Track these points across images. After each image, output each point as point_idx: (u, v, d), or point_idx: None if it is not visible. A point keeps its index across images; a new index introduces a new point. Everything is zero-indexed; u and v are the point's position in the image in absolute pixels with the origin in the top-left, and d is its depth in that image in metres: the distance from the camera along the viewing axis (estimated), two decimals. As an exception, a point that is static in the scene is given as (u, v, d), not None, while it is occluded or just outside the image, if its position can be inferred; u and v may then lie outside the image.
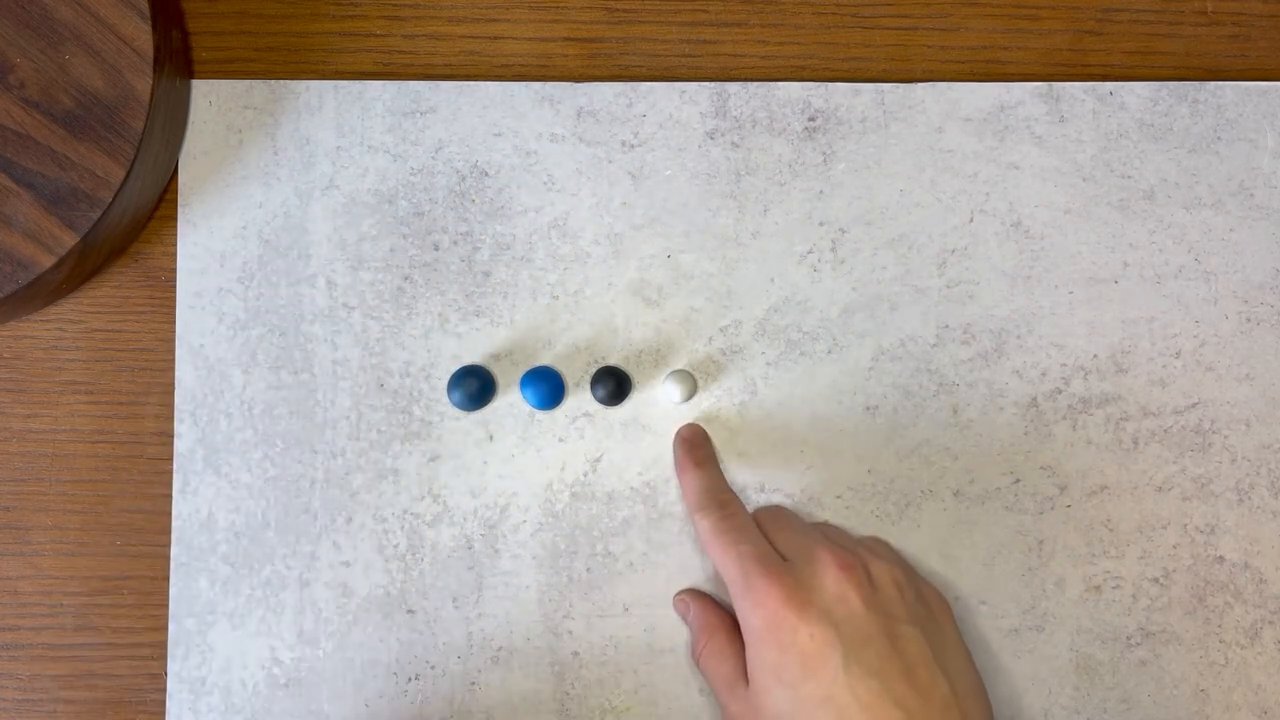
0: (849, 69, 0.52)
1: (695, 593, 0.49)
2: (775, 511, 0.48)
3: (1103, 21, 0.53)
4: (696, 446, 0.49)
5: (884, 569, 0.45)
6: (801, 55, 0.52)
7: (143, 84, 0.46)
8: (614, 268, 0.51)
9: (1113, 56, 0.53)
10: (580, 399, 0.50)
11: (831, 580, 0.44)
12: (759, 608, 0.43)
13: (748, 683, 0.44)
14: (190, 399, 0.50)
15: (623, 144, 0.51)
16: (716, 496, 0.47)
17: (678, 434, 0.50)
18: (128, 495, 0.50)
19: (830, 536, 0.47)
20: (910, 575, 0.46)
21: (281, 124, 0.51)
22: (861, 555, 0.45)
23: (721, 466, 0.50)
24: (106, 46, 0.46)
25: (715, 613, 0.48)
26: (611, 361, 0.51)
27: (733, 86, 0.51)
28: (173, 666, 0.49)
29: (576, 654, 0.49)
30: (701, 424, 0.50)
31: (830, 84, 0.51)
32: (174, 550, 0.50)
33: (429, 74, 0.52)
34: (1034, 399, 0.51)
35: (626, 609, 0.50)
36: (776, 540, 0.46)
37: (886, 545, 0.49)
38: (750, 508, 0.50)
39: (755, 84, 0.51)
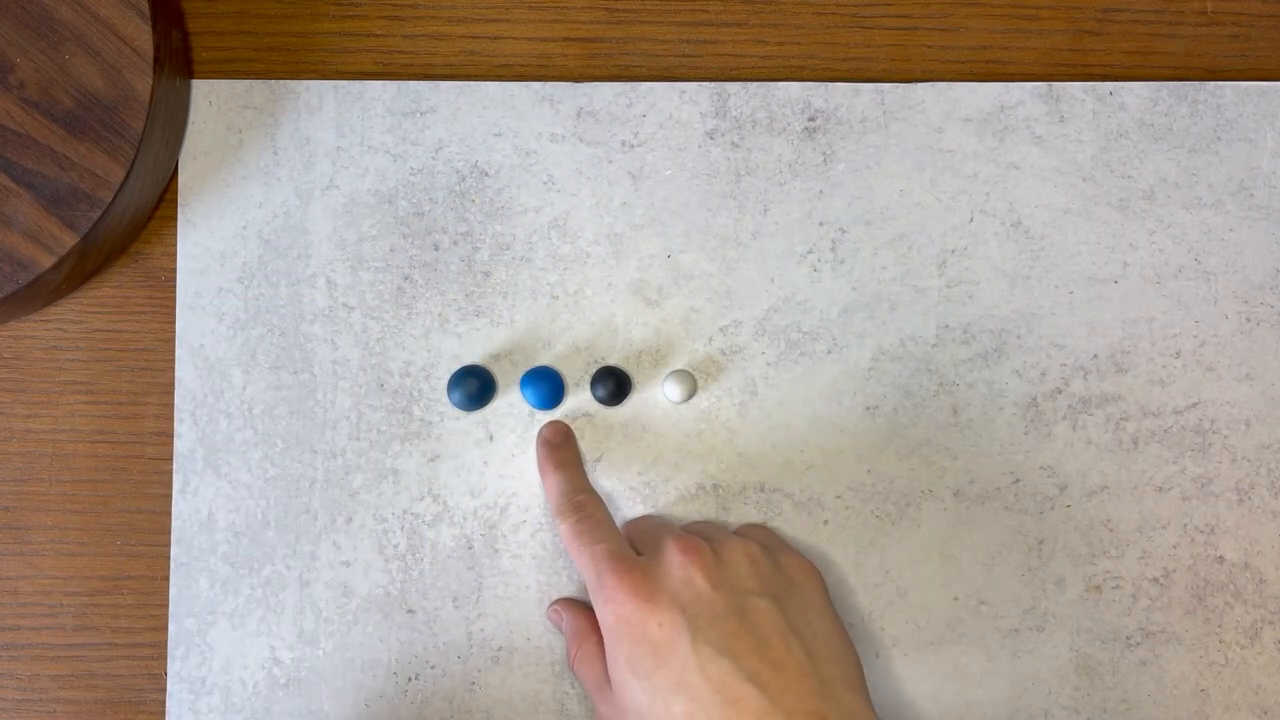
0: (849, 69, 0.52)
1: (567, 601, 0.49)
2: (643, 515, 0.49)
3: (1103, 21, 0.53)
4: (557, 447, 0.49)
5: (736, 545, 0.45)
6: (801, 55, 0.52)
7: (143, 84, 0.46)
8: (614, 268, 0.51)
9: (1113, 56, 0.53)
10: (580, 399, 0.50)
11: (677, 565, 0.44)
12: (610, 603, 0.43)
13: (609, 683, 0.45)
14: (190, 399, 0.50)
15: (623, 144, 0.51)
16: (573, 499, 0.47)
17: (540, 433, 0.50)
18: (128, 495, 0.50)
19: (694, 528, 0.47)
20: (769, 549, 0.46)
21: (281, 124, 0.51)
22: (712, 537, 0.46)
23: (721, 466, 0.50)
24: (106, 46, 0.46)
25: (586, 618, 0.48)
26: (611, 361, 0.51)
27: (733, 86, 0.51)
28: (173, 666, 0.49)
29: (576, 654, 0.49)
30: (703, 425, 0.50)
31: (830, 84, 0.51)
32: (174, 550, 0.50)
33: (429, 74, 0.52)
34: (1034, 399, 0.51)
35: (626, 609, 0.50)
36: (633, 537, 0.47)
37: (761, 527, 0.49)
38: (751, 508, 0.50)
39: (755, 84, 0.51)
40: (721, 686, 0.41)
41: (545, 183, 0.51)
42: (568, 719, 0.49)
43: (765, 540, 0.47)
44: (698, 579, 0.43)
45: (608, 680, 0.45)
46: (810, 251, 0.51)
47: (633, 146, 0.51)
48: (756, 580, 0.44)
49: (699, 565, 0.44)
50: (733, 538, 0.46)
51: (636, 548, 0.46)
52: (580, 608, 0.48)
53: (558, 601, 0.49)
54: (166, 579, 0.50)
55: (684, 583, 0.43)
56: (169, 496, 0.50)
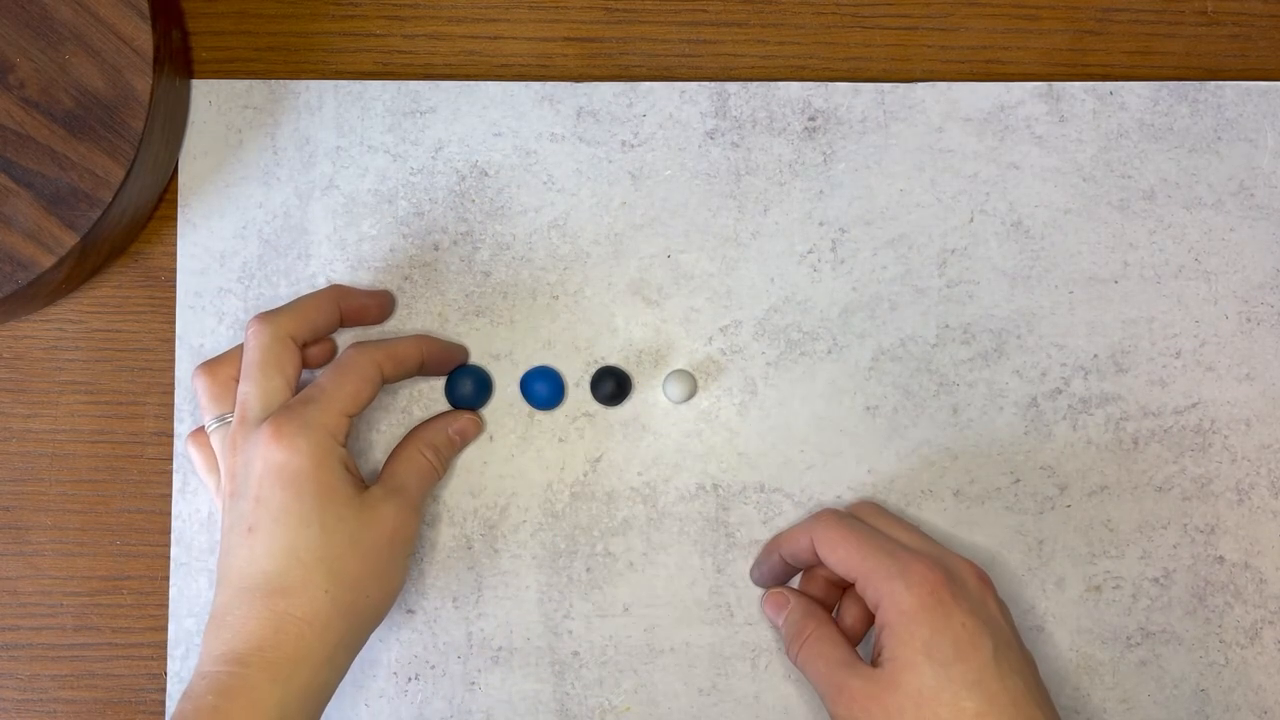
0: (849, 69, 0.52)
1: (789, 589, 0.49)
2: (875, 507, 0.49)
3: (1103, 21, 0.53)
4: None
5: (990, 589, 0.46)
6: (801, 55, 0.52)
7: (142, 84, 0.46)
8: (614, 268, 0.51)
9: (1113, 56, 0.53)
10: (580, 399, 0.50)
11: (974, 583, 0.45)
12: (916, 588, 0.43)
13: (872, 663, 0.45)
14: (190, 399, 0.50)
15: (623, 144, 0.51)
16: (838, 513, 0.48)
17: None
18: (128, 495, 0.50)
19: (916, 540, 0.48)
20: None
21: (281, 124, 0.51)
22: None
23: (721, 466, 0.50)
24: (106, 46, 0.46)
25: (815, 604, 0.48)
26: (611, 361, 0.50)
27: (733, 86, 0.51)
28: (172, 666, 0.49)
29: (576, 654, 0.49)
30: (703, 425, 0.50)
31: (830, 84, 0.51)
32: (173, 550, 0.50)
33: (429, 74, 0.52)
34: (1034, 399, 0.51)
35: (626, 609, 0.50)
36: (897, 534, 0.47)
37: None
38: (751, 508, 0.50)
39: (755, 84, 0.51)
40: (1017, 702, 0.43)
41: (545, 183, 0.51)
42: (568, 719, 0.49)
43: None
44: (990, 604, 0.45)
45: (858, 660, 0.45)
46: (810, 251, 0.51)
47: (633, 146, 0.51)
48: (1012, 625, 0.46)
49: (990, 593, 0.45)
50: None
51: (905, 545, 0.46)
52: (804, 595, 0.49)
53: (777, 590, 0.49)
54: (166, 579, 0.50)
55: (981, 600, 0.45)
56: (169, 496, 0.50)
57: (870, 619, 0.47)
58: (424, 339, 0.48)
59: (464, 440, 0.50)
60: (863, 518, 0.48)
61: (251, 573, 0.43)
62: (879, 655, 0.44)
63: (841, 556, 0.46)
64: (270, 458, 0.43)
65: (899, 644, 0.43)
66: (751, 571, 0.50)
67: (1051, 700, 0.45)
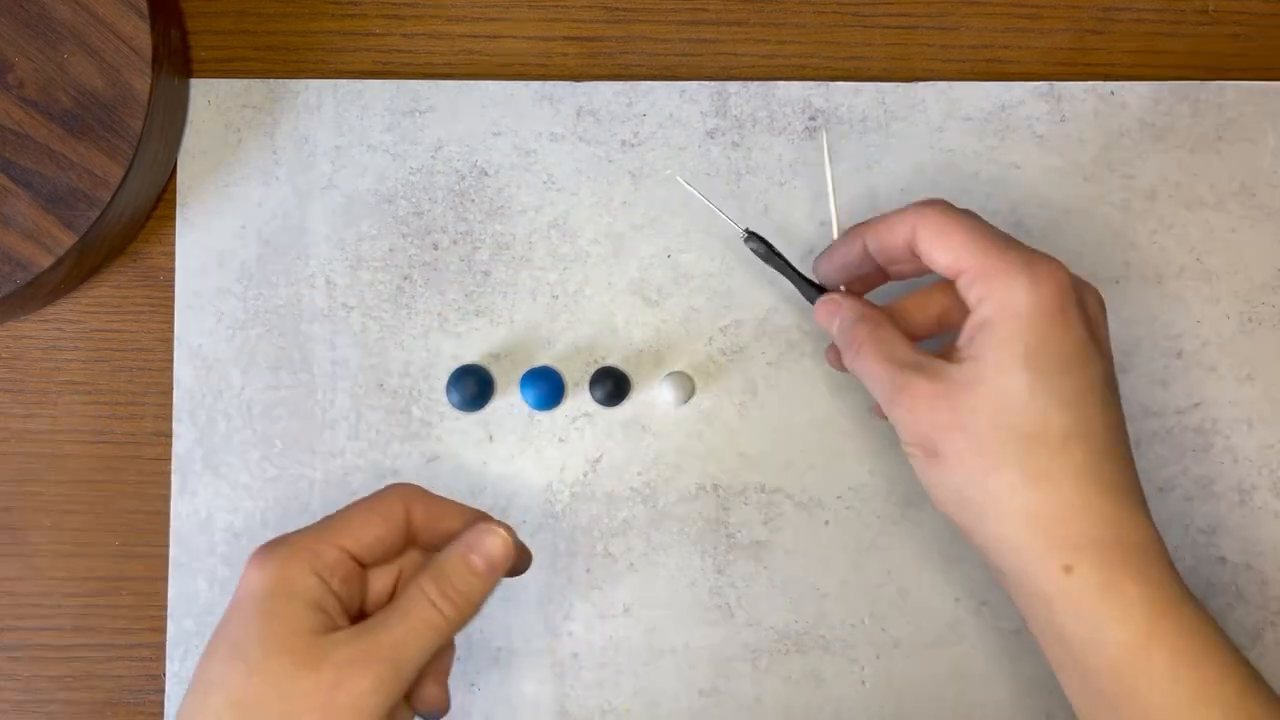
0: (849, 68, 0.52)
1: (844, 294, 0.45)
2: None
3: (1104, 21, 0.53)
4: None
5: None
6: (802, 54, 0.52)
7: (141, 83, 0.46)
8: (614, 267, 0.51)
9: (1114, 56, 0.52)
10: (580, 399, 0.50)
11: (1095, 302, 0.41)
12: (1042, 288, 0.38)
13: (948, 359, 0.40)
14: (189, 399, 0.50)
15: (623, 143, 0.51)
16: None
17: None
18: (126, 496, 0.50)
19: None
20: None
21: (280, 123, 0.51)
22: None
23: (721, 466, 0.50)
24: (105, 45, 0.46)
25: (872, 306, 0.44)
26: (611, 361, 0.50)
27: (733, 86, 0.51)
28: (171, 667, 0.49)
29: (576, 655, 0.49)
30: (703, 425, 0.50)
31: (831, 83, 0.51)
32: (172, 551, 0.50)
33: (428, 73, 0.52)
34: (1035, 399, 0.50)
35: (626, 609, 0.50)
36: (1004, 242, 0.41)
37: None
38: (751, 509, 0.50)
39: (755, 83, 0.51)
40: (1115, 430, 0.39)
41: (545, 182, 0.51)
42: (567, 719, 0.49)
43: None
44: (1104, 331, 0.41)
45: (925, 355, 0.41)
46: (811, 251, 0.51)
47: (633, 146, 0.51)
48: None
49: (1105, 319, 0.41)
50: None
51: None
52: (859, 298, 0.44)
53: (826, 298, 0.45)
54: (165, 580, 0.50)
55: (1099, 322, 0.41)
56: (167, 497, 0.50)
57: (937, 324, 0.43)
58: (484, 514, 0.41)
59: (493, 573, 0.39)
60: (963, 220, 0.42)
61: (187, 697, 0.38)
62: (958, 352, 0.40)
63: (951, 246, 0.40)
64: (242, 576, 0.38)
65: (997, 344, 0.39)
66: (818, 261, 0.45)
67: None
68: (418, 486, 0.41)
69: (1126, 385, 0.50)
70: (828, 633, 0.50)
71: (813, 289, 0.46)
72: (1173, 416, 0.51)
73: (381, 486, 0.49)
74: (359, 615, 0.39)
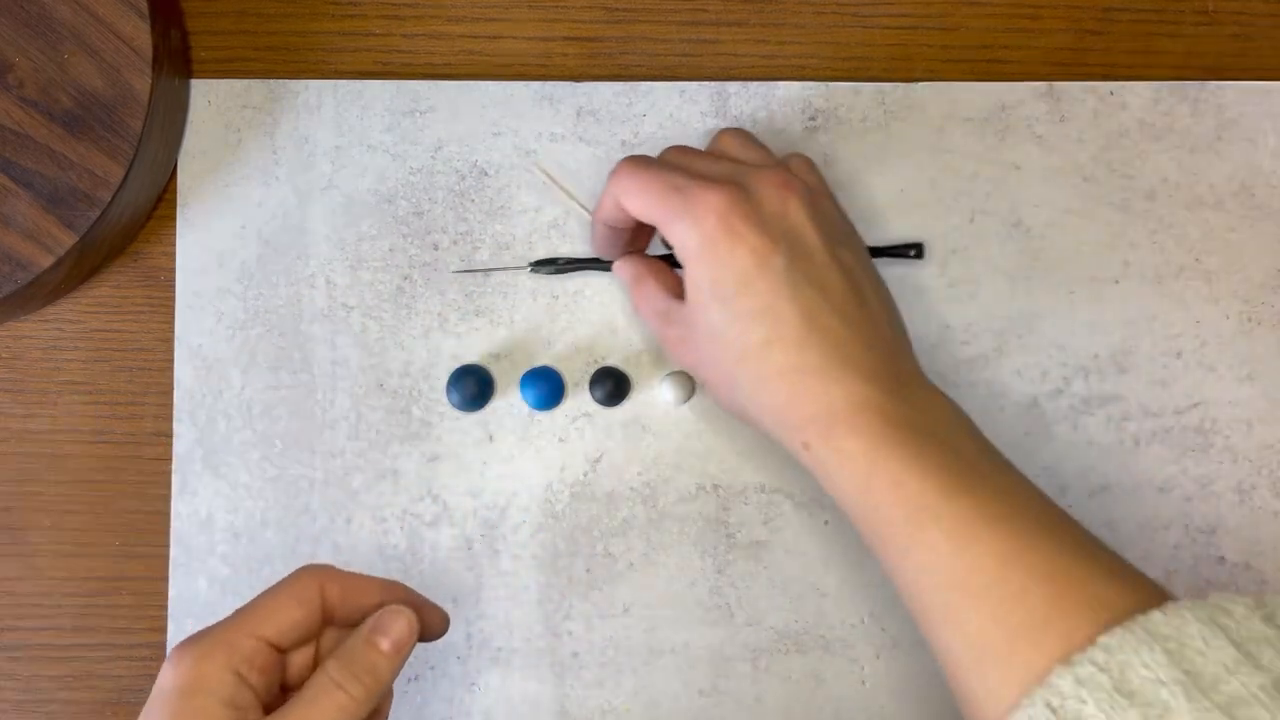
0: (849, 69, 0.52)
1: (635, 255, 0.48)
2: (682, 149, 0.46)
3: (1104, 21, 0.53)
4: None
5: (818, 187, 0.44)
6: (802, 55, 0.52)
7: (141, 83, 0.46)
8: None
9: (1114, 56, 0.52)
10: (580, 399, 0.50)
11: (771, 192, 0.42)
12: (702, 222, 0.41)
13: (683, 302, 0.44)
14: (189, 399, 0.50)
15: (623, 144, 0.51)
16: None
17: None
18: (126, 496, 0.50)
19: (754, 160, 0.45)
20: (833, 197, 0.46)
21: (280, 123, 0.51)
22: (798, 174, 0.44)
23: (721, 466, 0.50)
24: (105, 46, 0.46)
25: (644, 262, 0.47)
26: (611, 361, 0.50)
27: (733, 86, 0.51)
28: (172, 667, 0.49)
29: (576, 654, 0.49)
30: (703, 425, 0.50)
31: (831, 83, 0.51)
32: (173, 551, 0.50)
33: (428, 73, 0.52)
34: (1034, 399, 0.50)
35: (626, 609, 0.50)
36: (699, 165, 0.44)
37: (809, 163, 0.46)
38: (751, 508, 0.50)
39: (755, 83, 0.51)
40: (809, 315, 0.41)
41: (545, 182, 0.51)
42: (567, 719, 0.49)
43: (824, 183, 0.46)
44: (793, 211, 0.42)
45: (675, 303, 0.45)
46: (810, 251, 0.51)
47: (633, 146, 0.51)
48: (839, 227, 0.44)
49: (796, 200, 0.42)
50: (810, 178, 0.44)
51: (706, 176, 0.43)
52: (637, 255, 0.48)
53: (620, 258, 0.48)
54: (165, 580, 0.50)
55: (780, 214, 0.42)
56: (167, 497, 0.50)
57: None
58: (398, 586, 0.41)
59: (399, 652, 0.39)
60: (668, 158, 0.45)
61: None
62: (686, 298, 0.44)
63: (640, 205, 0.43)
64: (160, 672, 0.38)
65: (691, 286, 0.43)
66: (597, 253, 0.49)
67: (880, 281, 0.44)
68: (330, 566, 0.41)
69: (1126, 385, 0.50)
70: (827, 632, 0.50)
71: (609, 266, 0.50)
72: (1172, 416, 0.51)
73: (382, 486, 0.49)
74: (280, 694, 0.40)
